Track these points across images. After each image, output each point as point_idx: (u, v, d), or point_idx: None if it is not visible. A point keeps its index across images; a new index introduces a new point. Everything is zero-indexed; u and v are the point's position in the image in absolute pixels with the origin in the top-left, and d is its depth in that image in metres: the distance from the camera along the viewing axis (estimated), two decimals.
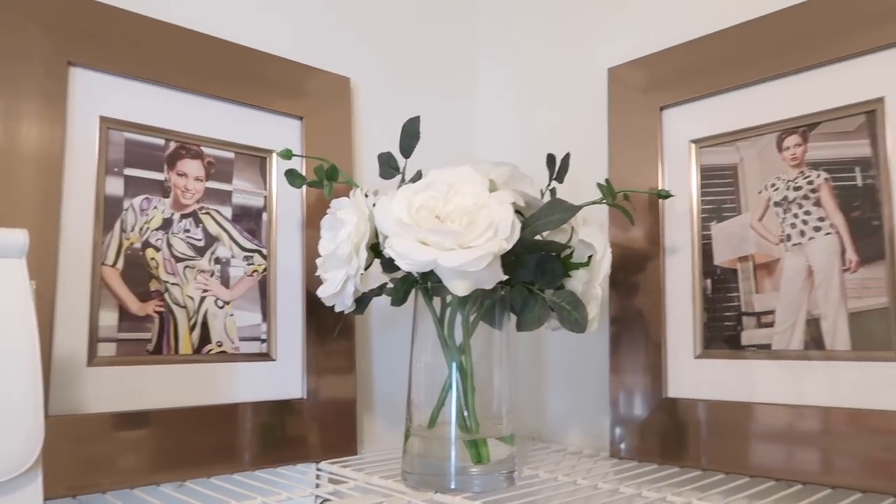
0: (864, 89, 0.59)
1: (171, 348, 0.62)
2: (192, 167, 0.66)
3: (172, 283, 0.63)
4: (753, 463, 0.59)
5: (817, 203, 0.60)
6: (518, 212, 0.57)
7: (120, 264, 0.60)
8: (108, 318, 0.59)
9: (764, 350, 0.61)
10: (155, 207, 0.63)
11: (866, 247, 0.57)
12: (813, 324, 0.59)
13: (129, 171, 0.62)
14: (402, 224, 0.53)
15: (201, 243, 0.65)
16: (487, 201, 0.53)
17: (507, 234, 0.52)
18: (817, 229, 0.60)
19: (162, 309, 0.62)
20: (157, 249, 0.63)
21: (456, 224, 0.52)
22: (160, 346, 0.62)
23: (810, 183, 0.61)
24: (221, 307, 0.66)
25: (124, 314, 0.60)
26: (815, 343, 0.59)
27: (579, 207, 0.56)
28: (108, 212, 0.60)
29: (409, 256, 0.52)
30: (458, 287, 0.52)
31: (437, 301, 0.59)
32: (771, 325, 0.61)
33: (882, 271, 0.56)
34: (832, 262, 0.59)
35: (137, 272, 0.61)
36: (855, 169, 0.58)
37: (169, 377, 0.62)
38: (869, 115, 0.58)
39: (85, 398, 0.57)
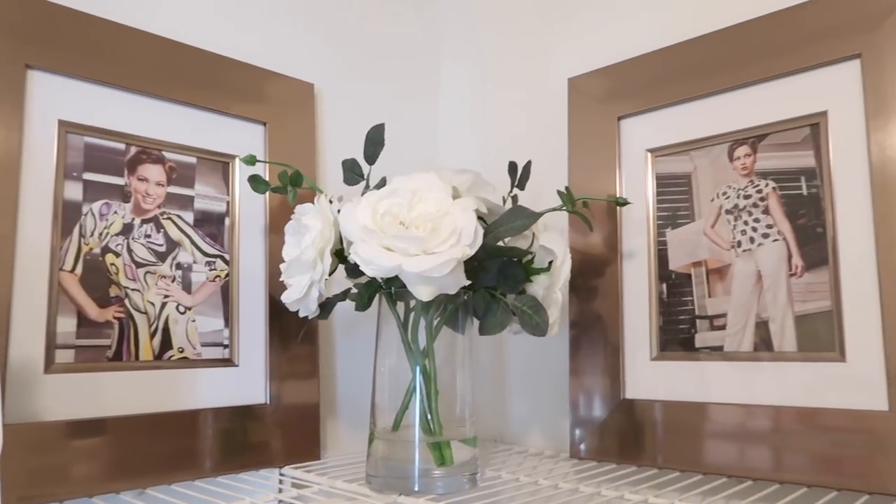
0: (808, 103, 0.61)
1: (132, 355, 0.62)
2: (153, 172, 0.65)
3: (133, 289, 0.62)
4: (707, 461, 0.62)
5: (766, 211, 0.63)
6: (481, 218, 0.59)
7: (79, 270, 0.60)
8: (67, 325, 0.58)
9: (716, 352, 0.64)
10: (115, 212, 0.62)
11: (811, 253, 0.60)
12: (762, 326, 0.61)
13: (88, 176, 0.61)
14: (367, 230, 0.54)
15: (162, 248, 0.65)
16: (451, 208, 0.54)
17: (470, 240, 0.53)
18: (766, 236, 0.62)
19: (122, 315, 0.62)
20: (117, 255, 0.62)
21: (420, 230, 0.53)
22: (120, 353, 0.61)
23: (759, 192, 0.63)
24: (183, 313, 0.65)
25: (83, 320, 0.59)
26: (764, 345, 0.61)
27: (540, 214, 0.58)
28: (67, 216, 0.60)
29: (374, 262, 0.52)
30: (422, 292, 0.53)
31: (400, 306, 0.60)
32: (723, 327, 0.64)
33: (826, 276, 0.59)
34: (780, 268, 0.61)
35: (97, 278, 0.61)
36: (801, 178, 0.61)
37: (129, 384, 0.61)
38: (813, 127, 0.61)
39: (42, 406, 0.56)
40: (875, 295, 0.55)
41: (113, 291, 0.61)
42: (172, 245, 0.65)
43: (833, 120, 0.60)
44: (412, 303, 0.60)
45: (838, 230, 0.58)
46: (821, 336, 0.58)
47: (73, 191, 0.60)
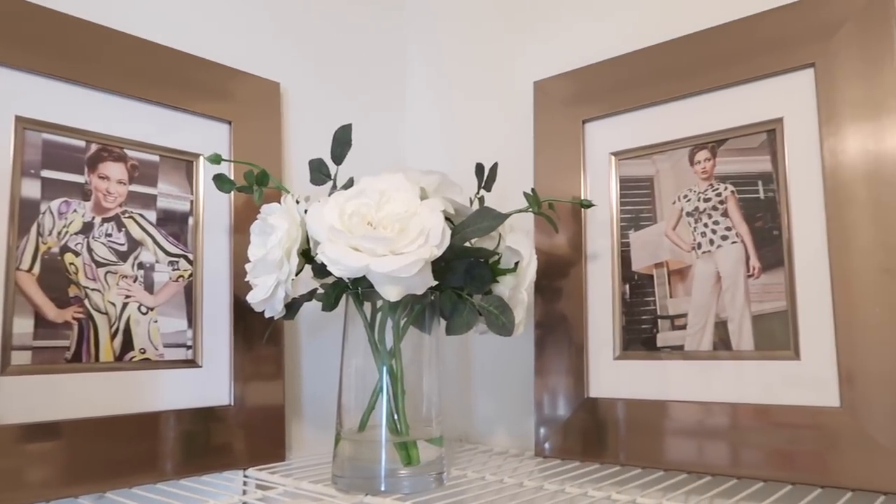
0: (765, 110, 0.63)
1: (91, 356, 0.60)
2: (114, 170, 0.64)
3: (93, 289, 0.61)
4: (668, 457, 0.63)
5: (725, 214, 0.65)
6: (448, 219, 0.59)
7: (36, 269, 0.58)
8: (23, 326, 0.57)
9: (677, 351, 0.65)
10: (74, 211, 0.61)
11: (768, 254, 0.62)
12: (721, 326, 0.63)
13: (46, 174, 0.60)
14: (335, 230, 0.54)
15: (124, 248, 0.64)
16: (419, 209, 0.55)
17: (437, 240, 0.54)
18: (724, 238, 0.64)
19: (81, 315, 0.60)
20: (77, 254, 0.61)
21: (388, 231, 0.53)
22: (79, 354, 0.60)
23: (718, 195, 0.65)
24: (145, 313, 0.64)
25: (40, 321, 0.58)
26: (723, 344, 0.63)
27: (507, 215, 0.58)
28: (24, 215, 0.58)
29: (342, 262, 0.52)
30: (390, 292, 0.53)
31: (367, 306, 0.60)
32: (684, 327, 0.65)
33: (781, 277, 0.61)
34: (738, 269, 0.63)
35: (55, 277, 0.59)
36: (758, 182, 0.63)
37: (89, 386, 0.60)
38: (770, 133, 0.63)
39: None
40: (827, 295, 0.58)
41: (72, 291, 0.60)
42: (134, 244, 0.64)
43: (788, 126, 0.62)
44: (379, 303, 0.60)
45: (793, 233, 0.60)
46: (776, 335, 0.60)
47: (31, 188, 0.59)
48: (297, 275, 0.59)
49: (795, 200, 0.61)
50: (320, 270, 0.59)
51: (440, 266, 0.58)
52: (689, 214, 0.67)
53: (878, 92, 0.57)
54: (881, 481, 0.53)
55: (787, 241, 0.61)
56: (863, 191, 0.57)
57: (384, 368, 0.59)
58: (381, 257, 0.52)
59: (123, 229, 0.64)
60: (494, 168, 0.68)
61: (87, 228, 0.61)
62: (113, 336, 0.62)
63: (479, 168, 0.67)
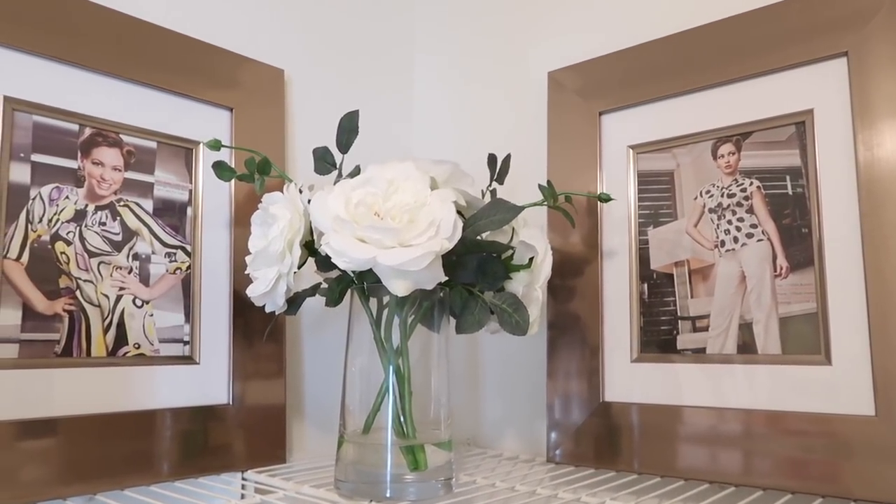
0: (794, 101, 0.60)
1: (83, 350, 0.57)
2: (109, 156, 0.61)
3: (85, 280, 0.58)
4: (688, 466, 0.60)
5: (750, 210, 0.61)
6: (458, 212, 0.56)
7: (25, 258, 0.55)
8: (10, 317, 0.54)
9: (699, 354, 0.62)
10: (66, 197, 0.58)
11: (796, 253, 0.58)
12: (746, 328, 0.60)
13: (37, 158, 0.57)
14: (340, 220, 0.51)
15: (118, 238, 0.61)
16: (429, 199, 0.52)
17: (448, 233, 0.50)
18: (750, 236, 0.61)
19: (72, 307, 0.57)
20: (69, 243, 0.58)
21: (396, 221, 0.50)
22: (70, 348, 0.57)
23: (743, 190, 0.62)
24: (140, 306, 0.61)
25: (29, 313, 0.55)
26: (747, 347, 0.60)
27: (522, 208, 0.55)
28: (13, 201, 0.55)
29: (347, 254, 0.49)
30: (398, 287, 0.50)
31: (373, 302, 0.57)
32: (706, 329, 0.62)
33: (811, 277, 0.57)
34: (764, 268, 0.60)
35: (45, 267, 0.56)
36: (786, 178, 0.60)
37: (79, 381, 0.57)
38: (798, 125, 0.60)
39: None
40: (861, 297, 0.54)
41: (63, 282, 0.57)
42: (129, 234, 0.61)
43: (819, 118, 0.59)
44: (385, 299, 0.57)
45: (824, 231, 0.57)
46: (806, 339, 0.57)
47: (20, 173, 0.56)
48: (299, 268, 0.56)
49: (826, 196, 0.57)
50: (324, 263, 0.56)
51: (450, 261, 0.54)
52: (711, 211, 0.63)
53: None
54: None
55: (817, 240, 0.57)
56: None
57: (390, 368, 0.55)
58: (389, 249, 0.49)
59: (118, 218, 0.61)
60: (507, 160, 0.65)
61: (79, 216, 0.58)
62: (106, 330, 0.59)
63: (492, 159, 0.64)
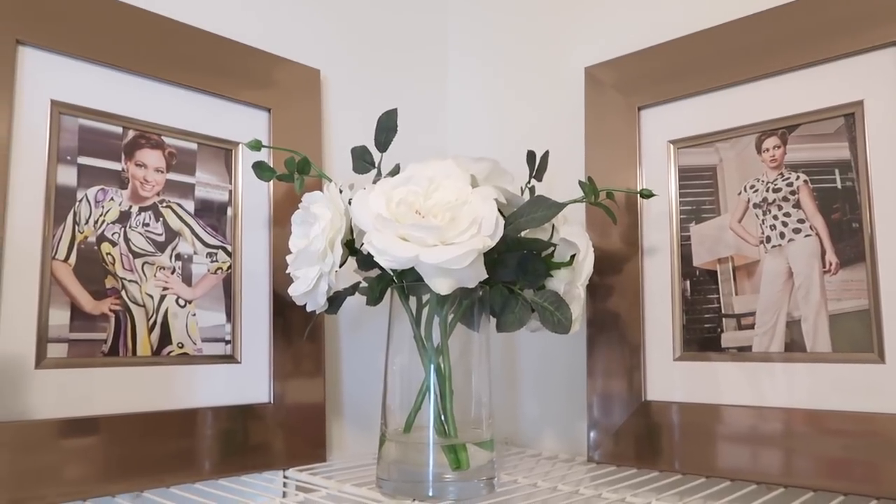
0: (843, 92, 0.59)
1: (128, 349, 0.58)
2: (151, 157, 0.62)
3: (130, 280, 0.59)
4: (731, 466, 0.59)
5: (797, 205, 0.60)
6: (498, 209, 0.55)
7: (72, 259, 0.56)
8: (59, 317, 0.55)
9: (744, 352, 0.61)
10: (111, 199, 0.59)
11: (846, 249, 0.57)
12: (794, 326, 0.58)
13: (83, 160, 0.58)
14: (381, 219, 0.51)
15: (161, 238, 0.61)
16: (470, 197, 0.51)
17: (490, 230, 0.50)
18: (797, 231, 0.60)
19: (118, 307, 0.58)
20: (114, 244, 0.59)
21: (438, 219, 0.50)
22: (116, 347, 0.58)
23: (790, 185, 0.60)
24: (183, 306, 0.62)
25: (77, 313, 0.56)
26: (795, 345, 0.58)
27: (564, 205, 0.55)
28: (60, 203, 0.56)
29: (389, 252, 0.49)
30: (441, 285, 0.50)
31: (412, 301, 0.57)
32: (751, 327, 0.61)
33: (862, 273, 0.56)
34: (812, 264, 0.58)
35: (91, 268, 0.57)
36: (834, 171, 0.58)
37: (125, 380, 0.57)
38: (848, 117, 0.58)
39: (32, 403, 0.53)
40: None
41: (109, 283, 0.58)
42: (172, 235, 0.62)
43: (869, 110, 0.57)
44: (425, 298, 0.57)
45: (875, 225, 0.55)
46: (857, 336, 0.55)
47: (67, 176, 0.57)
48: (340, 266, 0.56)
49: (878, 190, 0.56)
50: (365, 262, 0.56)
51: (491, 259, 0.54)
52: (756, 206, 0.62)
53: None
54: None
55: (868, 235, 0.56)
56: None
57: (431, 367, 0.55)
58: (432, 248, 0.49)
59: (161, 219, 0.61)
60: (546, 157, 0.64)
61: (123, 217, 0.59)
62: (150, 329, 0.60)
63: (531, 156, 0.64)
